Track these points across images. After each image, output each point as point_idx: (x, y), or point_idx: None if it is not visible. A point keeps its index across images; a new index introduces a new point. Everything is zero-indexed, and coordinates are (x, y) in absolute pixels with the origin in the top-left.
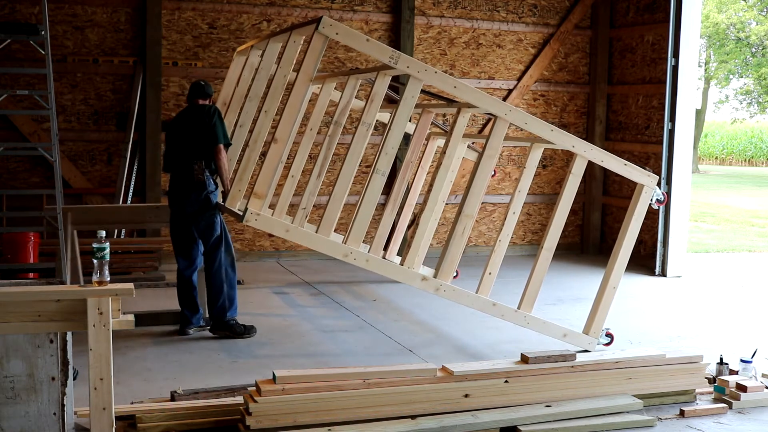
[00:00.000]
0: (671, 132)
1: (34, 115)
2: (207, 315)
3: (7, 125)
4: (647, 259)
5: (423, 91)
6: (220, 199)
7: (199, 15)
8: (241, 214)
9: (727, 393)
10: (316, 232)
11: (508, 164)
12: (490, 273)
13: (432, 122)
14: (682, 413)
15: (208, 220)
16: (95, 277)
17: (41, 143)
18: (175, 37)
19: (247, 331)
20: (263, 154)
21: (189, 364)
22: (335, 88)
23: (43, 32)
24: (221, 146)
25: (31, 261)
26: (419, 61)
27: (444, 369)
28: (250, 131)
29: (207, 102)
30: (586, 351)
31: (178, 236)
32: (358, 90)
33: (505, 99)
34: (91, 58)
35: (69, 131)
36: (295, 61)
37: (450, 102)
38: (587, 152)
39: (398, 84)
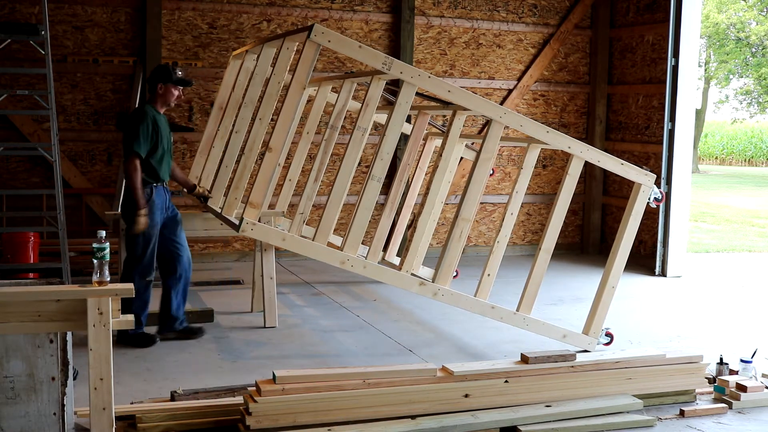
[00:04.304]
0: (671, 132)
1: (34, 115)
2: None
3: (7, 125)
4: (647, 259)
5: (419, 94)
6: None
7: (199, 15)
8: (237, 223)
9: (727, 393)
10: (313, 240)
11: (508, 164)
12: (488, 275)
13: (429, 122)
14: (682, 413)
15: (131, 236)
16: (95, 277)
17: (41, 143)
18: (175, 37)
19: (146, 341)
20: (261, 155)
21: (189, 364)
22: (332, 90)
23: (43, 32)
24: (129, 158)
25: (31, 261)
26: (417, 62)
27: (444, 369)
28: (246, 137)
29: (156, 94)
30: (586, 351)
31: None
32: (356, 90)
33: (505, 99)
34: (91, 58)
35: (69, 131)
36: (288, 68)
37: (446, 104)
38: (583, 153)
39: (396, 88)
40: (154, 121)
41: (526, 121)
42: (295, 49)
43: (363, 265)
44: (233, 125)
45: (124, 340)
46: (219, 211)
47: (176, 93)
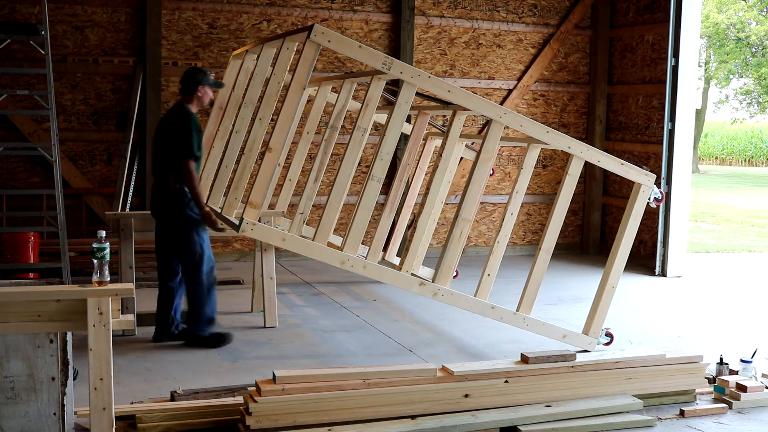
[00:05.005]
0: (671, 132)
1: (34, 115)
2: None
3: (7, 125)
4: (647, 259)
5: (419, 94)
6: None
7: (199, 15)
8: (237, 223)
9: (727, 393)
10: (313, 240)
11: (508, 164)
12: (488, 275)
13: (429, 122)
14: (682, 413)
15: (185, 239)
16: (95, 277)
17: (41, 143)
18: (175, 37)
19: (222, 340)
20: (261, 155)
21: (189, 364)
22: (332, 90)
23: (43, 32)
24: (185, 161)
25: (31, 261)
26: (417, 62)
27: (444, 369)
28: (246, 137)
29: (195, 95)
30: (586, 351)
31: (158, 247)
32: (356, 90)
33: (505, 99)
34: (91, 58)
35: (69, 131)
36: (288, 68)
37: (446, 104)
38: (583, 153)
39: (395, 88)
40: (196, 122)
41: (526, 121)
42: (295, 49)
43: (363, 265)
44: (233, 125)
45: (199, 343)
46: (219, 211)
47: (210, 94)
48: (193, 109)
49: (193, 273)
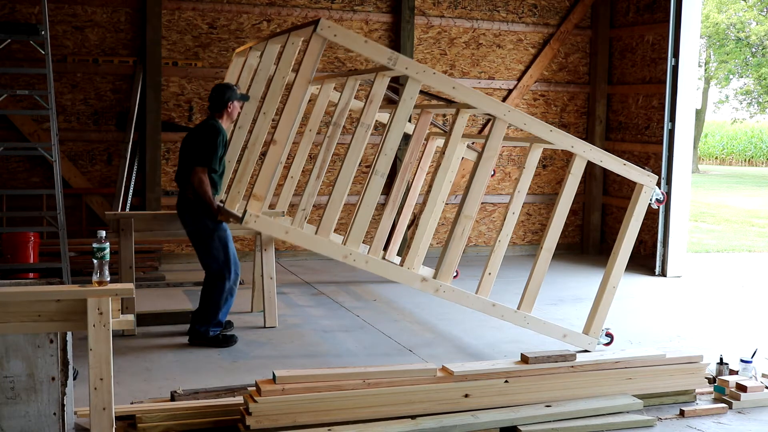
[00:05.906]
0: (671, 132)
1: (34, 115)
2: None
3: (7, 125)
4: (647, 259)
5: (422, 92)
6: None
7: (199, 15)
8: (240, 215)
9: (727, 393)
10: (316, 234)
11: (509, 164)
12: (489, 273)
13: (431, 122)
14: (682, 413)
15: (206, 247)
16: (95, 277)
17: (41, 143)
18: (175, 37)
19: (226, 341)
20: (263, 154)
21: (189, 364)
22: (334, 89)
23: (43, 32)
24: (200, 169)
25: (31, 261)
26: (419, 61)
27: (444, 369)
28: (249, 132)
29: (225, 111)
30: (586, 351)
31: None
32: (358, 90)
33: (505, 99)
34: (91, 58)
35: (69, 131)
36: (293, 63)
37: (449, 102)
38: (586, 152)
39: (397, 85)
40: (225, 137)
41: (530, 120)
42: (300, 44)
43: (365, 260)
44: (236, 121)
45: (202, 341)
46: (222, 204)
47: (239, 109)
48: (224, 124)
49: (217, 278)
